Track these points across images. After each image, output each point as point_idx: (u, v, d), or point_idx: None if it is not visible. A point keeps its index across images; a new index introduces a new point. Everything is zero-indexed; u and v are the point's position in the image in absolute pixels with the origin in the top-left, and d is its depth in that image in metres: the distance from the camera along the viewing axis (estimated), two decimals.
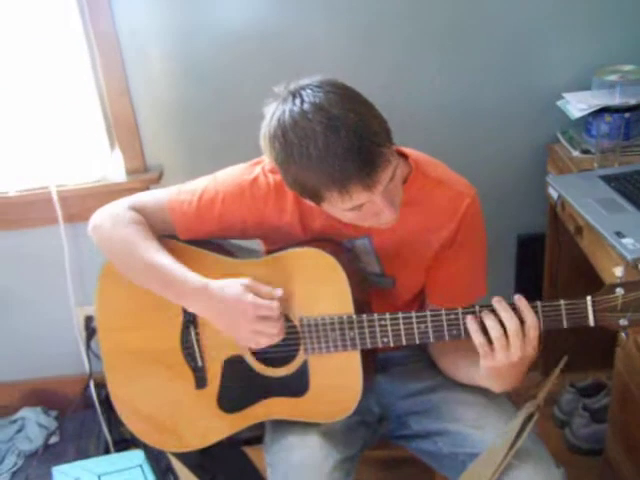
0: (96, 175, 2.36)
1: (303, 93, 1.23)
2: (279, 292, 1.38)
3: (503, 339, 1.24)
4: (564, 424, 2.30)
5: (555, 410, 2.36)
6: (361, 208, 1.27)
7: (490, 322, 1.25)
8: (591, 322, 1.25)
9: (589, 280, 1.74)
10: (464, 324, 1.29)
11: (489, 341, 1.26)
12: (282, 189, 1.41)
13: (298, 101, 1.22)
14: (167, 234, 1.50)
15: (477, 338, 1.27)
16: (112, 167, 2.36)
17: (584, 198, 1.83)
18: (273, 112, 1.26)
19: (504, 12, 2.16)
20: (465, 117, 2.29)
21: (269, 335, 1.36)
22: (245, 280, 1.37)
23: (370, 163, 1.20)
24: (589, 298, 1.25)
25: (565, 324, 1.27)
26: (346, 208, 1.27)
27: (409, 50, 2.21)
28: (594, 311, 1.24)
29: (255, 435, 1.60)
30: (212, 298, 1.36)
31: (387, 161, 1.22)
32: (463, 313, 1.30)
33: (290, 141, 1.22)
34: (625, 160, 1.99)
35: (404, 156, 1.46)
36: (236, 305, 1.34)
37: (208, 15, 2.18)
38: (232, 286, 1.36)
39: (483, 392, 1.45)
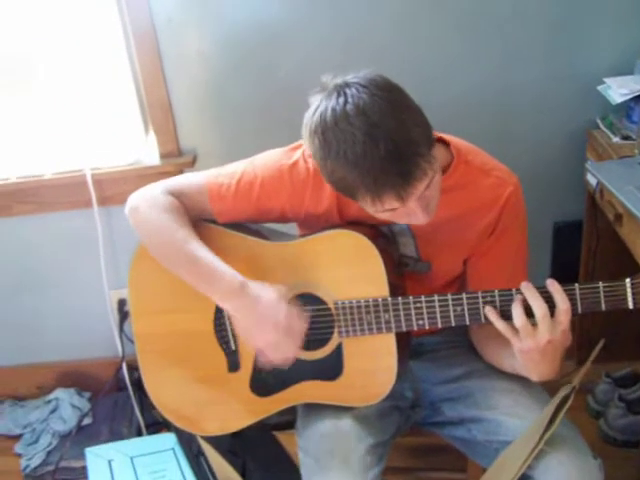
0: (130, 158, 2.37)
1: (348, 92, 1.21)
2: (310, 314, 1.38)
3: (529, 325, 1.24)
4: (599, 415, 2.27)
5: (590, 400, 2.33)
6: (394, 211, 1.27)
7: (516, 310, 1.25)
8: (630, 305, 1.24)
9: (627, 269, 1.70)
10: (501, 307, 1.28)
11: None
12: (321, 176, 1.40)
13: (342, 100, 1.21)
14: (204, 218, 1.49)
15: (500, 325, 1.28)
16: (146, 151, 2.37)
17: (624, 185, 1.78)
18: (317, 106, 1.25)
19: None
20: (502, 102, 2.25)
21: (285, 352, 1.35)
22: (283, 288, 1.36)
23: (406, 175, 1.19)
24: (628, 280, 1.24)
25: (603, 307, 1.26)
26: (378, 211, 1.27)
27: (440, 32, 2.18)
28: (633, 294, 1.23)
29: (285, 420, 1.60)
30: (247, 297, 1.34)
31: (424, 173, 1.21)
32: (500, 295, 1.29)
33: (329, 141, 1.21)
34: None
35: (445, 143, 1.45)
36: (270, 310, 1.33)
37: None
38: (270, 291, 1.34)
39: (518, 380, 1.44)
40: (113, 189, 2.36)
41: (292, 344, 1.35)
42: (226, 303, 1.37)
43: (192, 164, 2.34)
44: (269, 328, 1.33)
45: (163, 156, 2.36)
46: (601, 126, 2.17)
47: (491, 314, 1.29)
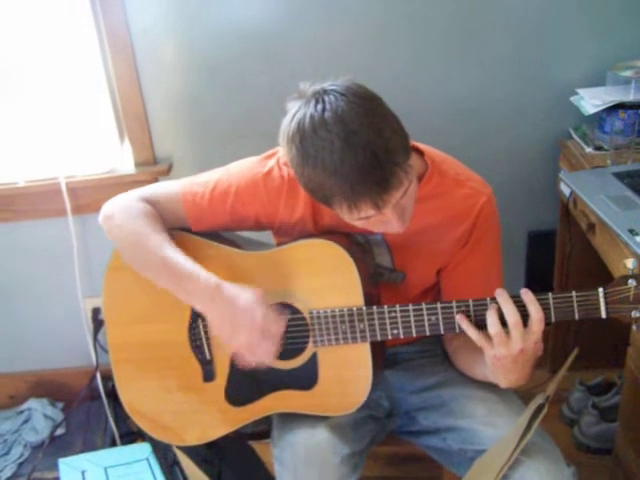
0: (105, 167, 2.36)
1: (326, 99, 1.21)
2: (287, 318, 1.37)
3: (503, 332, 1.24)
4: (573, 422, 2.29)
5: (564, 408, 2.34)
6: (369, 219, 1.27)
7: (491, 318, 1.25)
8: (603, 314, 1.25)
9: (600, 278, 1.71)
10: (476, 316, 1.29)
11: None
12: (296, 184, 1.39)
13: (320, 107, 1.21)
14: (178, 226, 1.49)
15: (472, 333, 1.28)
16: (121, 159, 2.36)
17: (597, 195, 1.81)
18: (295, 113, 1.24)
19: (518, 5, 2.14)
20: (476, 111, 2.27)
21: (263, 354, 1.33)
22: (260, 290, 1.34)
23: (382, 183, 1.19)
24: (601, 289, 1.25)
25: (577, 315, 1.26)
26: (354, 219, 1.27)
27: (419, 44, 2.20)
28: (606, 302, 1.24)
29: (261, 430, 1.59)
30: (223, 299, 1.32)
31: (400, 182, 1.21)
32: (474, 304, 1.30)
33: (306, 148, 1.21)
34: (639, 157, 1.97)
35: (420, 153, 1.45)
36: (246, 312, 1.31)
37: (219, 9, 2.17)
38: (247, 292, 1.32)
39: (493, 388, 1.45)
40: (88, 197, 2.34)
41: (269, 346, 1.32)
42: (202, 304, 1.35)
43: (167, 172, 2.33)
44: (245, 329, 1.30)
45: (138, 164, 2.36)
46: (574, 136, 2.19)
47: (463, 322, 1.29)
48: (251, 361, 1.35)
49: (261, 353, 1.33)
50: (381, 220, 1.28)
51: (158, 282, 1.39)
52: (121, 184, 2.26)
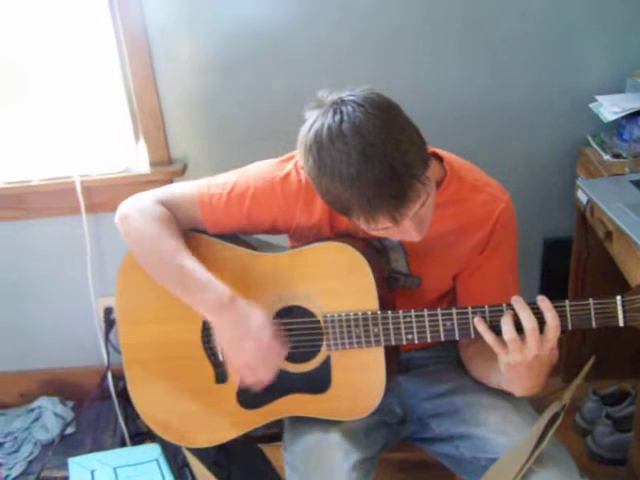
0: (120, 166, 2.36)
1: (344, 110, 1.20)
2: (288, 348, 1.37)
3: (518, 339, 1.23)
4: (586, 432, 2.27)
5: (577, 418, 2.32)
6: (387, 229, 1.26)
7: (506, 325, 1.24)
8: (621, 322, 1.23)
9: (617, 287, 1.70)
10: (491, 322, 1.28)
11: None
12: (313, 189, 1.38)
13: (338, 118, 1.19)
14: (194, 228, 1.48)
15: (488, 336, 1.27)
16: (136, 158, 2.36)
17: (615, 203, 1.79)
18: (312, 122, 1.23)
19: (537, 11, 2.13)
20: (493, 117, 2.26)
21: (260, 376, 1.35)
22: (270, 316, 1.37)
23: (400, 196, 1.18)
24: (619, 298, 1.23)
25: (594, 324, 1.25)
26: (371, 229, 1.27)
27: (435, 48, 2.19)
28: (624, 311, 1.23)
29: (272, 432, 1.58)
30: (236, 312, 1.32)
31: (418, 195, 1.20)
32: (490, 310, 1.29)
33: (324, 159, 1.20)
34: None
35: (439, 159, 1.44)
36: (256, 331, 1.31)
37: (235, 9, 2.17)
38: (259, 313, 1.33)
39: (507, 397, 1.43)
40: (102, 196, 2.34)
41: (268, 370, 1.35)
42: (213, 315, 1.34)
43: (182, 173, 2.33)
44: (251, 349, 1.32)
45: (153, 164, 2.35)
46: (592, 143, 2.18)
47: (480, 325, 1.27)
48: (247, 379, 1.36)
49: (259, 375, 1.35)
50: (399, 231, 1.27)
51: (171, 288, 1.39)
52: (136, 184, 2.27)
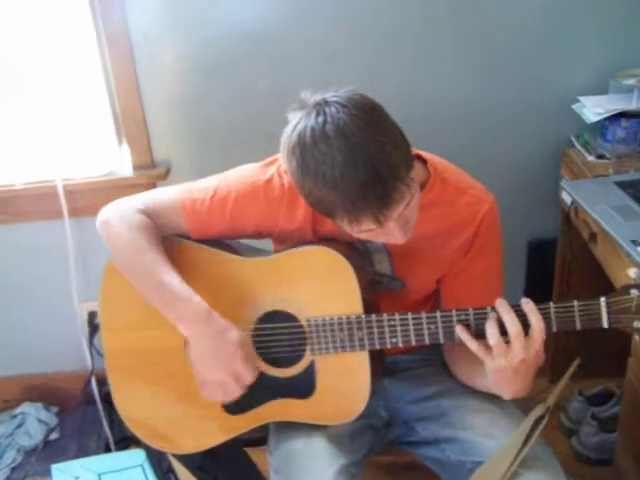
0: (103, 170, 2.34)
1: (327, 111, 1.19)
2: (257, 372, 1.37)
3: (502, 343, 1.22)
4: (572, 432, 2.27)
5: (562, 418, 2.33)
6: (371, 231, 1.25)
7: (490, 328, 1.23)
8: (605, 324, 1.23)
9: (601, 288, 1.70)
10: (476, 325, 1.27)
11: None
12: (296, 192, 1.37)
13: (321, 119, 1.18)
14: (177, 234, 1.47)
15: (472, 344, 1.26)
16: (119, 162, 2.35)
17: (599, 204, 1.80)
18: (295, 124, 1.22)
19: (521, 11, 2.13)
20: (476, 118, 2.26)
21: (227, 394, 1.35)
22: (247, 335, 1.37)
23: (384, 198, 1.17)
24: (603, 299, 1.23)
25: (578, 325, 1.25)
26: (355, 231, 1.26)
27: (420, 48, 2.19)
28: (608, 312, 1.23)
29: (257, 436, 1.57)
30: (211, 327, 1.32)
31: (401, 196, 1.20)
32: (474, 313, 1.28)
33: (307, 161, 1.19)
34: None
35: (422, 160, 1.44)
36: (229, 350, 1.31)
37: (220, 14, 2.16)
38: (235, 331, 1.33)
39: (493, 399, 1.43)
40: (85, 200, 2.33)
41: (235, 389, 1.34)
42: (188, 328, 1.33)
43: (165, 176, 2.31)
44: (221, 367, 1.32)
45: (136, 168, 2.34)
46: (576, 144, 2.18)
47: (463, 333, 1.27)
48: (210, 395, 1.37)
49: (225, 393, 1.35)
50: (383, 232, 1.27)
51: (147, 297, 1.38)
52: (119, 187, 2.26)
